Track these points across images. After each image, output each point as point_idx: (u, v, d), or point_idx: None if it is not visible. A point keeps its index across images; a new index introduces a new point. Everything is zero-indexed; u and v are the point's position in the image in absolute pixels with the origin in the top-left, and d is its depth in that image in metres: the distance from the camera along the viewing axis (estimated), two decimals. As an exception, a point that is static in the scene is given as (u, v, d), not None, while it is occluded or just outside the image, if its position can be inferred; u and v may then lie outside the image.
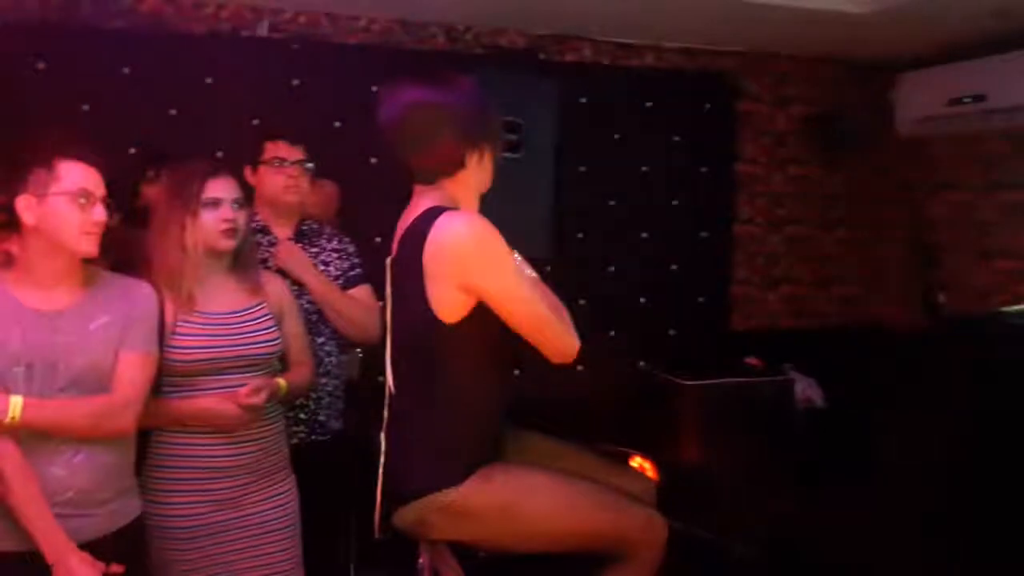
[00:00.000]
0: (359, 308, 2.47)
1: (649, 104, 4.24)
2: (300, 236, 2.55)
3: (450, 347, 1.75)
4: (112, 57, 3.41)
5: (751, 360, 4.19)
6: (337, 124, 3.68)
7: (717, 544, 3.09)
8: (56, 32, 3.35)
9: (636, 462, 3.48)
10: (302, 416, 2.44)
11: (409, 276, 1.75)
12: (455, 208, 1.76)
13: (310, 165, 2.54)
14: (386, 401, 1.90)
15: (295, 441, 2.33)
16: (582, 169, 4.13)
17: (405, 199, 1.87)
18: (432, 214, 1.73)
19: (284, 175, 2.49)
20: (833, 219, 4.69)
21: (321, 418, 2.51)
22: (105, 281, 1.94)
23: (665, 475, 3.37)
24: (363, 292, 2.53)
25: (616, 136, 4.19)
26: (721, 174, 4.43)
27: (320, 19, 3.75)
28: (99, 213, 1.82)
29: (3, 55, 3.29)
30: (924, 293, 4.36)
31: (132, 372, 1.88)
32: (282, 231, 2.53)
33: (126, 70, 3.43)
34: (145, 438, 2.07)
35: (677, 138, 4.30)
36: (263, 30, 3.65)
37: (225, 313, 2.13)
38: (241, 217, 2.15)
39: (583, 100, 4.11)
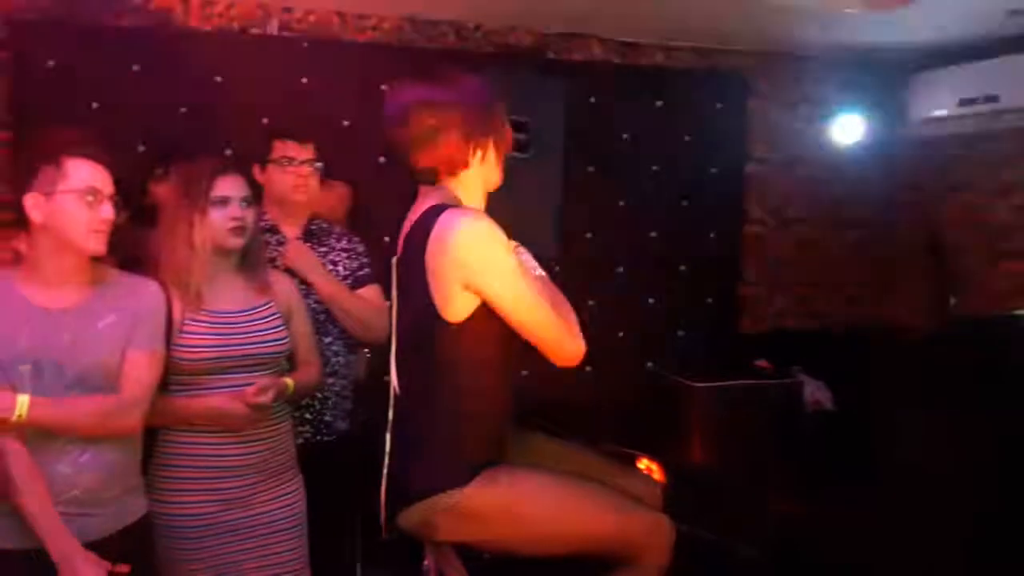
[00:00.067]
0: (367, 308, 2.47)
1: (659, 103, 4.23)
2: (309, 235, 2.55)
3: (454, 346, 1.74)
4: (122, 55, 3.41)
5: (760, 362, 4.18)
6: (346, 123, 3.67)
7: (724, 546, 3.07)
8: (66, 30, 3.36)
9: (643, 464, 3.47)
10: (307, 416, 2.44)
11: (413, 275, 1.74)
12: (458, 206, 1.75)
13: (319, 164, 2.53)
14: (391, 401, 1.89)
15: (300, 441, 2.33)
16: (591, 169, 4.12)
17: (413, 198, 1.87)
18: (435, 212, 1.72)
19: (293, 174, 2.48)
20: (843, 220, 4.66)
21: (327, 418, 2.50)
22: (113, 279, 1.94)
23: (673, 477, 3.36)
24: (372, 292, 2.52)
25: (625, 136, 4.18)
26: (731, 174, 4.40)
27: (330, 17, 3.75)
28: (107, 211, 1.82)
29: (14, 53, 3.30)
30: (935, 295, 4.33)
31: (139, 371, 1.88)
32: (291, 230, 2.53)
33: (136, 68, 3.43)
34: (152, 437, 2.07)
35: (687, 138, 4.28)
36: (272, 28, 3.65)
37: (233, 312, 2.13)
38: (249, 215, 2.15)
39: (592, 99, 4.10)
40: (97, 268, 1.91)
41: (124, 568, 1.80)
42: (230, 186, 2.13)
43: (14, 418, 1.72)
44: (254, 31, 3.63)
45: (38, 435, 1.77)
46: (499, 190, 1.89)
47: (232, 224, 2.11)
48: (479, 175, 1.82)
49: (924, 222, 4.51)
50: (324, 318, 2.45)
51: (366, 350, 2.81)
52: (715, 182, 4.36)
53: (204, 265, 2.10)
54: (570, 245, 4.00)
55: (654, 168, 4.24)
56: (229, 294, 2.15)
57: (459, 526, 1.77)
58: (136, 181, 2.80)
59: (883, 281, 4.72)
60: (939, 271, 4.35)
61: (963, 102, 3.94)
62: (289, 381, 2.15)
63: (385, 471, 1.87)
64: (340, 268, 2.53)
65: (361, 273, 2.56)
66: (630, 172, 4.19)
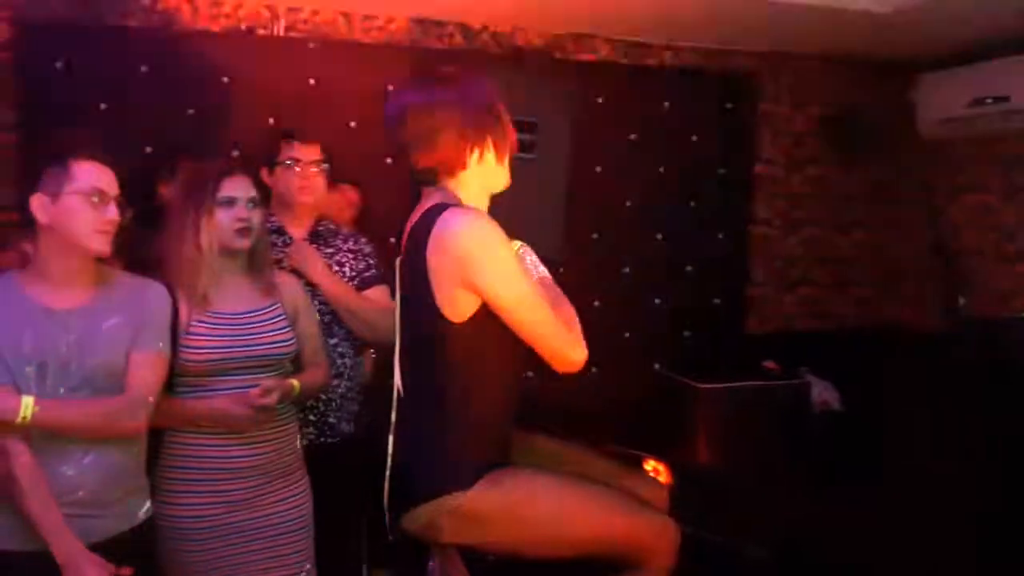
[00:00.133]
0: (374, 309, 2.46)
1: (666, 104, 4.21)
2: (315, 237, 2.55)
3: (458, 347, 1.73)
4: (130, 56, 3.42)
5: (767, 363, 4.16)
6: (353, 124, 3.67)
7: (732, 547, 3.06)
8: (75, 31, 3.37)
9: (650, 465, 3.46)
10: (311, 418, 2.44)
11: (415, 275, 1.74)
12: (459, 205, 1.74)
13: (325, 165, 2.53)
14: (394, 403, 1.88)
15: (304, 443, 2.32)
16: (597, 169, 4.11)
17: (418, 199, 1.86)
18: (435, 212, 1.72)
19: (299, 175, 2.49)
20: (851, 221, 4.64)
21: (331, 420, 2.50)
22: (118, 281, 1.94)
23: (680, 478, 3.35)
24: (379, 293, 2.52)
25: (632, 136, 4.16)
26: (738, 175, 4.39)
27: (337, 18, 3.75)
28: (112, 212, 1.83)
29: (23, 54, 3.31)
30: (943, 296, 4.31)
31: (144, 372, 1.88)
32: (297, 231, 2.53)
33: (144, 69, 3.44)
34: (158, 438, 2.07)
35: (694, 139, 4.26)
36: (280, 29, 3.65)
37: (239, 313, 2.13)
38: (256, 216, 2.15)
39: (599, 100, 4.09)
40: (102, 269, 1.92)
41: (127, 571, 1.80)
42: (237, 187, 2.13)
43: (19, 419, 1.72)
44: (261, 32, 3.63)
45: (42, 437, 1.77)
46: (505, 190, 1.88)
47: (238, 225, 2.11)
48: (480, 176, 1.81)
49: (932, 223, 4.49)
50: (330, 320, 2.45)
51: (372, 352, 2.80)
52: (723, 183, 4.34)
53: (210, 266, 2.10)
54: (576, 246, 3.98)
55: (661, 169, 4.22)
56: (235, 295, 2.15)
57: (463, 528, 1.76)
58: (144, 182, 2.80)
59: (891, 282, 4.69)
60: (947, 272, 4.32)
61: (974, 102, 3.92)
62: (295, 382, 2.15)
63: (388, 473, 1.86)
64: (346, 269, 2.53)
65: (368, 274, 2.56)
66: (637, 173, 4.18)
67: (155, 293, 1.97)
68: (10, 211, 2.64)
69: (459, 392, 1.76)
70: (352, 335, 2.51)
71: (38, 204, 1.80)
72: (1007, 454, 3.25)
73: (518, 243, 1.83)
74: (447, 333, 1.71)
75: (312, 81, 3.66)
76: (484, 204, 1.85)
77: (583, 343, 1.75)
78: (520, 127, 3.47)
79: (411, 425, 1.83)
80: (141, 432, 1.92)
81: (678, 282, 4.26)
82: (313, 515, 2.24)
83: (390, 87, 3.51)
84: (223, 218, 2.10)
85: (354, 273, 2.54)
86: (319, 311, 2.40)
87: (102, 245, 1.83)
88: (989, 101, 3.84)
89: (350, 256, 2.56)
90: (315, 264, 2.43)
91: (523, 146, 3.39)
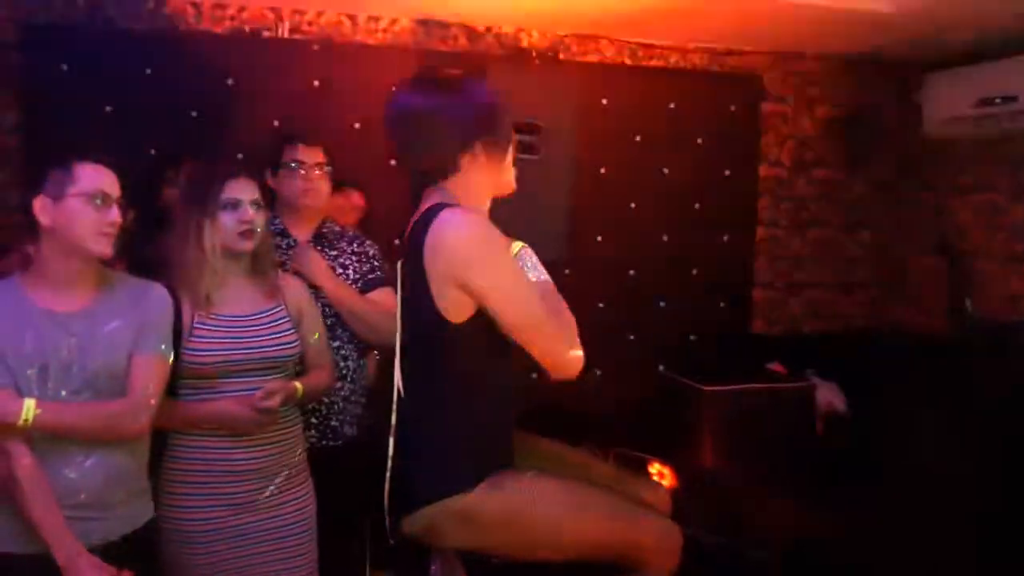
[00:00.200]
0: (377, 311, 2.45)
1: (671, 105, 4.20)
2: (319, 239, 2.55)
3: (458, 348, 1.72)
4: (134, 58, 3.42)
5: (773, 365, 4.14)
6: (357, 125, 3.67)
7: (735, 550, 3.04)
8: (79, 34, 3.38)
9: (654, 468, 3.45)
10: (313, 421, 2.43)
11: (415, 276, 1.73)
12: (456, 206, 1.73)
13: (328, 168, 2.53)
14: (394, 404, 1.87)
15: (306, 446, 2.32)
16: (602, 171, 4.10)
17: (420, 200, 1.86)
18: (432, 212, 1.71)
19: (302, 178, 2.49)
20: (857, 222, 4.62)
21: (333, 423, 2.50)
22: (120, 283, 1.94)
23: (684, 481, 3.34)
24: (383, 295, 2.51)
25: (637, 138, 4.15)
26: (744, 177, 4.37)
27: (341, 20, 3.75)
28: (114, 214, 1.83)
29: (27, 57, 3.31)
30: (950, 298, 4.28)
31: (145, 374, 1.88)
32: (301, 234, 2.53)
33: (148, 71, 3.44)
34: (161, 441, 2.07)
35: (699, 140, 4.25)
36: (284, 31, 3.65)
37: (242, 316, 2.14)
38: (259, 218, 2.15)
39: (604, 101, 4.08)
40: (104, 272, 1.92)
41: (128, 574, 1.80)
42: (240, 189, 2.13)
43: (20, 422, 1.72)
44: (266, 34, 3.64)
45: (44, 439, 1.77)
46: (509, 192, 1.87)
47: (242, 228, 2.12)
48: (477, 178, 1.80)
49: (939, 224, 4.47)
50: (333, 322, 2.45)
51: (376, 354, 2.80)
52: (728, 184, 4.33)
53: (214, 268, 2.11)
54: (581, 247, 3.97)
55: (666, 170, 4.21)
56: (239, 298, 2.16)
57: (464, 532, 1.75)
58: (147, 184, 2.81)
59: (897, 284, 4.67)
60: (954, 273, 4.30)
61: (981, 102, 3.89)
62: (298, 385, 2.15)
63: (388, 475, 1.85)
64: (350, 272, 2.53)
65: (372, 276, 2.55)
66: (642, 174, 4.17)
67: (157, 295, 1.97)
68: (14, 213, 2.64)
69: (459, 394, 1.75)
70: (356, 338, 2.51)
71: (40, 206, 1.81)
72: (1013, 458, 3.23)
73: (519, 244, 1.82)
74: (446, 334, 1.70)
75: (316, 83, 3.66)
76: (484, 205, 1.84)
77: (579, 351, 1.71)
78: (524, 129, 3.48)
79: (412, 427, 1.82)
80: (143, 435, 1.92)
81: (683, 284, 4.25)
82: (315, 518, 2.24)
83: (394, 89, 3.50)
84: (227, 220, 2.11)
85: (358, 275, 2.54)
86: (323, 314, 2.39)
87: (104, 247, 1.83)
88: (997, 101, 3.81)
89: (354, 258, 2.56)
90: (318, 267, 2.43)
91: (527, 148, 3.41)
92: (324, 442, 2.45)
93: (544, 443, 1.98)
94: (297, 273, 2.38)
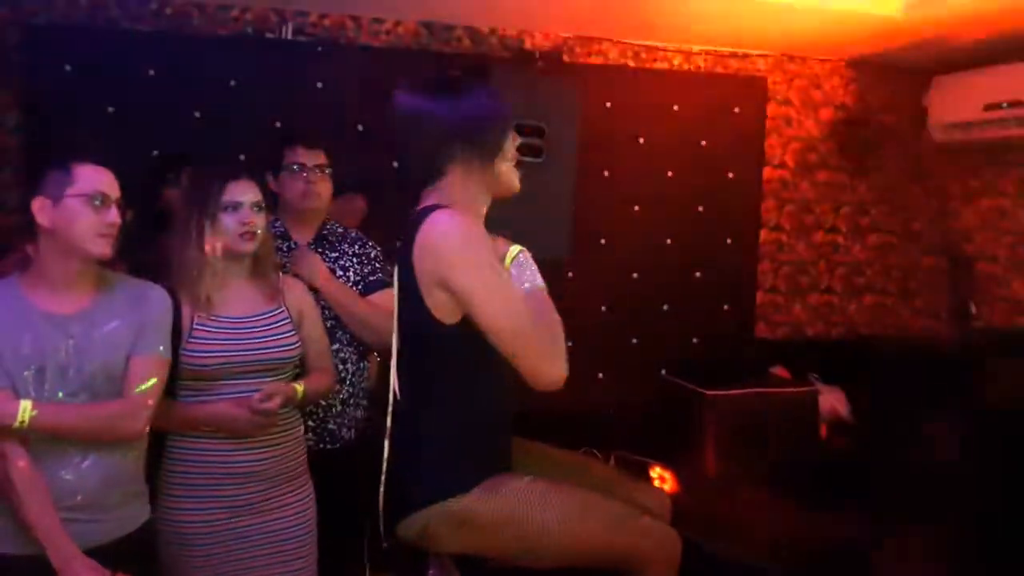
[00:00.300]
0: (377, 313, 2.44)
1: (675, 107, 4.19)
2: (321, 240, 2.54)
3: (450, 349, 1.71)
4: (137, 59, 3.42)
5: (776, 370, 4.13)
6: (360, 127, 3.67)
7: (735, 557, 3.02)
8: (82, 34, 3.38)
9: (656, 472, 3.43)
10: (310, 424, 2.42)
11: (407, 276, 1.73)
12: (448, 207, 1.73)
13: (329, 170, 2.52)
14: (390, 407, 1.86)
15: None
16: (606, 173, 4.09)
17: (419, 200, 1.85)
18: (424, 213, 1.72)
19: (303, 180, 2.48)
20: (862, 226, 4.60)
21: (331, 427, 2.49)
22: (119, 284, 1.94)
23: (685, 485, 3.33)
24: (383, 297, 2.49)
25: (641, 140, 4.14)
26: (748, 179, 4.36)
27: (345, 22, 3.74)
28: (113, 215, 1.83)
29: (29, 57, 3.32)
30: (955, 304, 4.26)
31: (143, 376, 1.87)
32: (301, 236, 2.53)
33: (151, 72, 3.44)
34: (160, 443, 2.06)
35: (704, 143, 4.24)
36: (287, 33, 3.65)
37: (242, 317, 2.13)
38: (260, 220, 2.15)
39: (608, 103, 4.07)
40: (103, 273, 1.92)
41: (124, 576, 1.79)
42: (241, 191, 2.13)
43: (16, 423, 1.72)
44: (269, 35, 3.63)
45: (41, 441, 1.77)
46: (512, 194, 1.86)
47: (243, 229, 2.11)
48: (468, 181, 1.79)
49: (945, 229, 4.45)
50: (332, 325, 2.44)
51: (378, 356, 2.79)
52: (732, 187, 4.31)
53: (214, 270, 2.10)
54: (584, 250, 3.96)
55: (670, 173, 4.20)
56: (239, 299, 2.15)
57: (460, 535, 1.74)
58: (149, 185, 2.80)
59: (902, 288, 4.65)
60: (959, 278, 4.28)
61: (988, 107, 3.87)
62: (298, 387, 2.14)
63: (384, 478, 1.84)
64: (350, 274, 2.52)
65: (373, 278, 2.54)
66: (646, 177, 4.15)
67: (156, 296, 1.96)
68: (14, 213, 2.64)
69: (454, 396, 1.74)
70: (355, 340, 2.50)
71: (39, 207, 1.80)
72: (1018, 462, 3.21)
73: (517, 248, 1.81)
74: (439, 335, 1.70)
75: (319, 84, 3.66)
76: (479, 207, 1.82)
77: (563, 362, 1.65)
78: (528, 131, 3.46)
79: (407, 429, 1.81)
80: (140, 437, 1.91)
81: (686, 287, 4.23)
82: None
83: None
84: (228, 222, 2.10)
85: (358, 277, 2.53)
86: (323, 316, 2.38)
87: (103, 248, 1.83)
88: (1004, 105, 3.79)
89: (355, 260, 2.55)
90: (317, 269, 2.42)
91: (531, 150, 3.40)
92: (321, 445, 2.44)
93: (542, 447, 1.97)
94: (296, 275, 2.38)
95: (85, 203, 1.80)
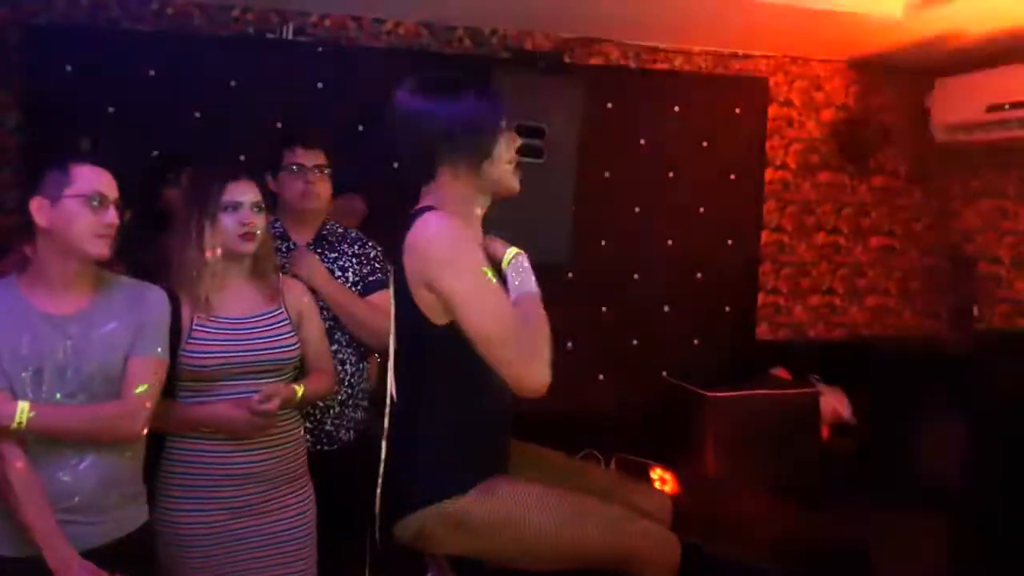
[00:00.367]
0: (376, 314, 2.42)
1: (677, 109, 4.18)
2: (320, 241, 2.54)
3: (443, 349, 1.70)
4: (137, 59, 3.42)
5: (777, 371, 4.12)
6: (361, 128, 3.66)
7: (736, 558, 3.02)
8: (82, 34, 3.37)
9: (657, 474, 3.42)
10: (308, 425, 2.40)
11: (400, 277, 1.73)
12: (440, 208, 1.72)
13: (328, 170, 2.52)
14: (387, 408, 1.86)
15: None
16: (607, 175, 4.08)
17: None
18: (418, 214, 1.72)
19: (303, 181, 2.48)
20: (864, 228, 4.59)
21: (328, 428, 2.48)
22: (117, 285, 1.94)
23: (686, 487, 3.32)
24: (383, 298, 2.46)
25: (642, 141, 4.13)
26: (750, 181, 4.35)
27: (345, 22, 3.74)
28: (111, 216, 1.82)
29: (29, 57, 3.31)
30: (957, 305, 4.26)
31: (142, 377, 1.87)
32: (301, 237, 2.52)
33: (151, 72, 3.44)
34: (159, 444, 2.06)
35: (705, 144, 4.23)
36: (288, 33, 3.64)
37: (242, 318, 2.13)
38: (260, 221, 2.14)
39: (609, 104, 4.06)
40: (101, 273, 1.91)
41: (121, 578, 1.79)
42: (241, 191, 2.13)
43: (14, 425, 1.71)
44: (269, 36, 3.63)
45: (38, 442, 1.77)
46: (513, 195, 1.85)
47: (242, 230, 2.11)
48: (459, 183, 1.78)
49: (947, 230, 4.44)
50: (331, 326, 2.43)
51: (378, 357, 2.78)
52: (733, 188, 4.31)
53: (214, 270, 2.10)
54: (585, 251, 3.96)
55: (671, 174, 4.19)
56: (239, 300, 2.15)
57: (456, 537, 1.73)
58: (149, 185, 2.80)
59: (904, 290, 4.64)
60: (961, 279, 4.27)
61: (991, 108, 3.87)
62: (297, 388, 2.14)
63: (380, 480, 1.83)
64: (349, 274, 2.52)
65: (372, 279, 2.54)
66: (647, 178, 4.15)
67: (155, 297, 1.96)
68: (14, 213, 2.64)
69: (448, 396, 1.74)
70: (354, 341, 2.50)
71: (37, 207, 1.80)
72: (1019, 465, 3.21)
73: (514, 251, 1.80)
74: (432, 336, 1.70)
75: (320, 85, 3.65)
76: (472, 208, 1.81)
77: (546, 368, 1.62)
78: (528, 132, 3.46)
79: (404, 430, 1.81)
80: (139, 438, 1.91)
81: (688, 288, 4.23)
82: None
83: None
84: (227, 222, 2.10)
85: (357, 278, 2.52)
86: (322, 317, 2.38)
87: (101, 249, 1.82)
88: (1006, 107, 3.79)
89: (354, 261, 2.54)
90: (314, 270, 2.41)
91: (531, 151, 3.39)
92: (319, 447, 2.43)
93: (540, 451, 1.97)
94: (295, 276, 2.37)
95: (83, 203, 1.80)
